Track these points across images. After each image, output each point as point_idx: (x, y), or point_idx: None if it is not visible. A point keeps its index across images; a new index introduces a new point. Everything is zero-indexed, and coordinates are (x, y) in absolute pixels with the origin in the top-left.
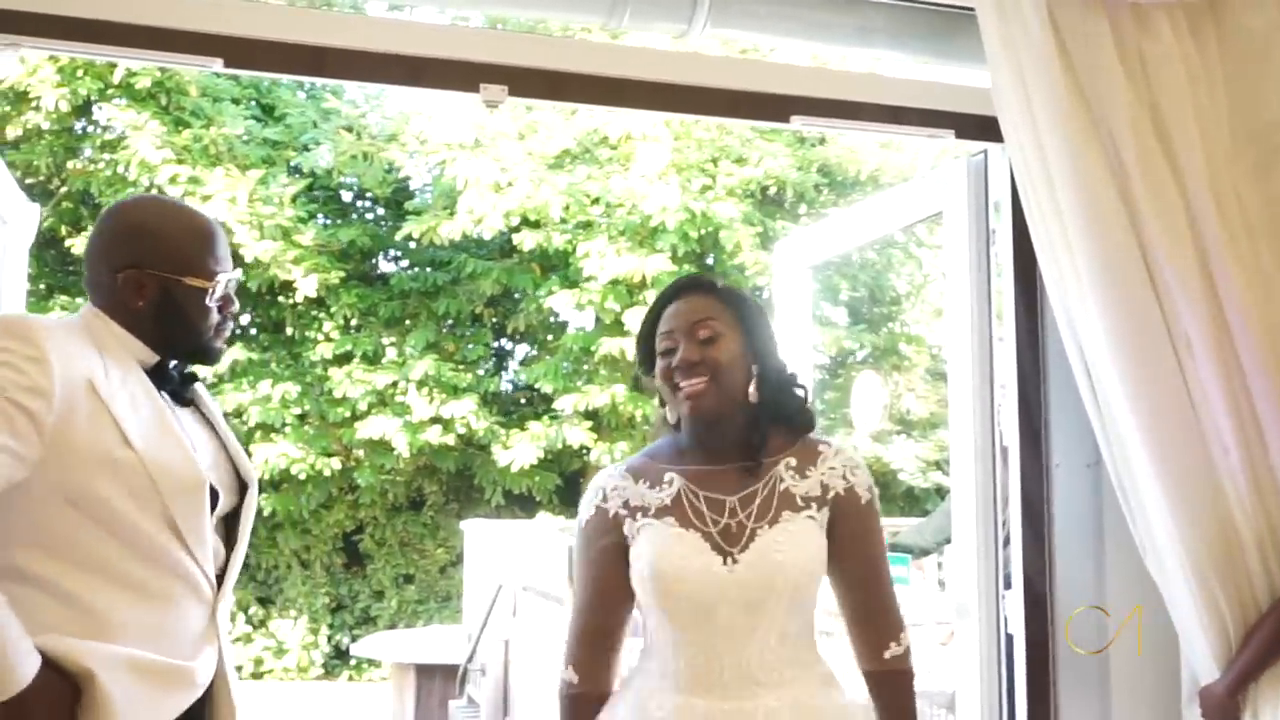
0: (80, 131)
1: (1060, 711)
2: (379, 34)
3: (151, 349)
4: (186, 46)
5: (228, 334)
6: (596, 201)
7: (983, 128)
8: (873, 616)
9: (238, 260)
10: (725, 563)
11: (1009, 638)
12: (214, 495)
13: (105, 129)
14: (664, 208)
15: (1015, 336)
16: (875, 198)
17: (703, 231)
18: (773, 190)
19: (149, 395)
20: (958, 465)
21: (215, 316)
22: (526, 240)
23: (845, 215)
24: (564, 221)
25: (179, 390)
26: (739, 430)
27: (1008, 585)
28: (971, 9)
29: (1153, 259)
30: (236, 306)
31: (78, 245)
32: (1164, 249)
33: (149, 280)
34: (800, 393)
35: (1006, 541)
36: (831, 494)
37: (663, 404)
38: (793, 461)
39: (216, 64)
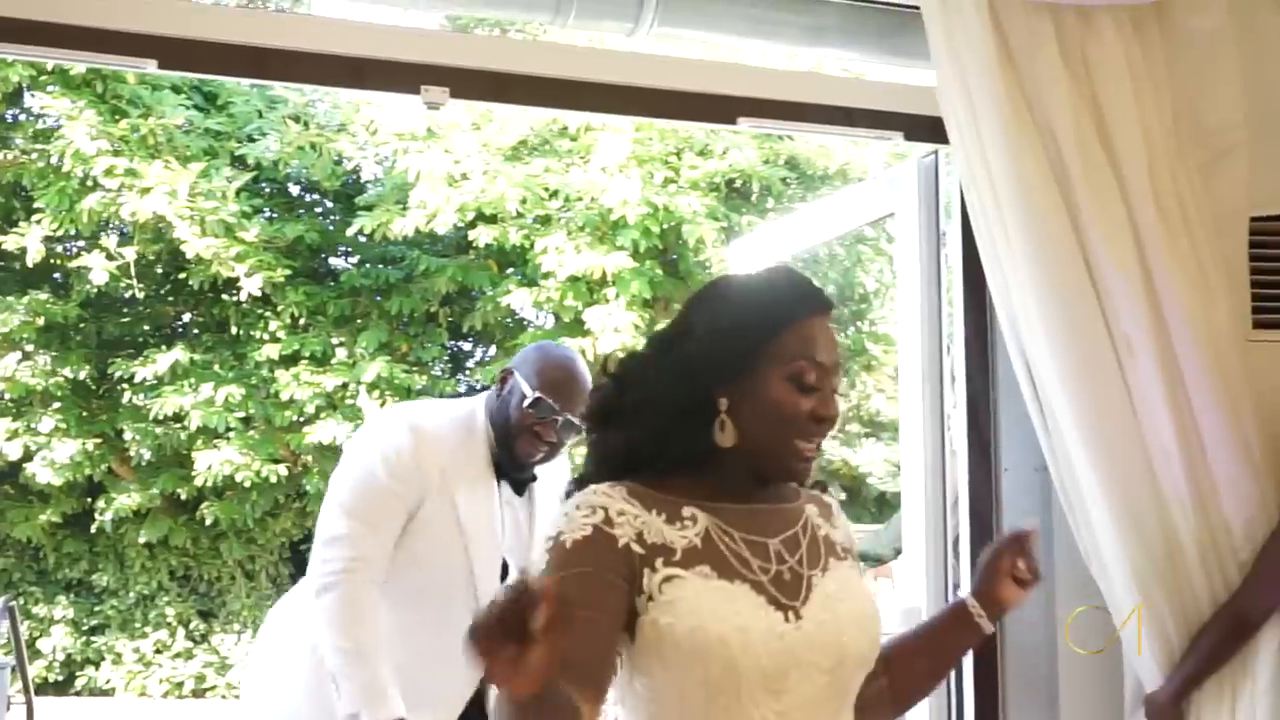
0: (11, 120)
1: (1008, 716)
2: (318, 34)
3: (498, 444)
4: (119, 47)
5: (536, 455)
6: (555, 195)
7: (932, 129)
8: None
9: (180, 257)
10: (788, 619)
11: None
12: (506, 568)
13: (38, 118)
14: (624, 201)
15: (964, 339)
16: (830, 198)
17: (665, 226)
18: (738, 184)
19: (485, 479)
20: (908, 470)
21: (520, 422)
22: (482, 236)
23: (801, 215)
24: (521, 216)
25: (515, 483)
26: None
27: (957, 590)
28: (919, 8)
29: (1094, 261)
30: (552, 440)
31: (9, 241)
32: (1105, 250)
33: (511, 377)
34: None
35: (958, 545)
36: (855, 545)
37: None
38: (814, 508)
39: (150, 65)
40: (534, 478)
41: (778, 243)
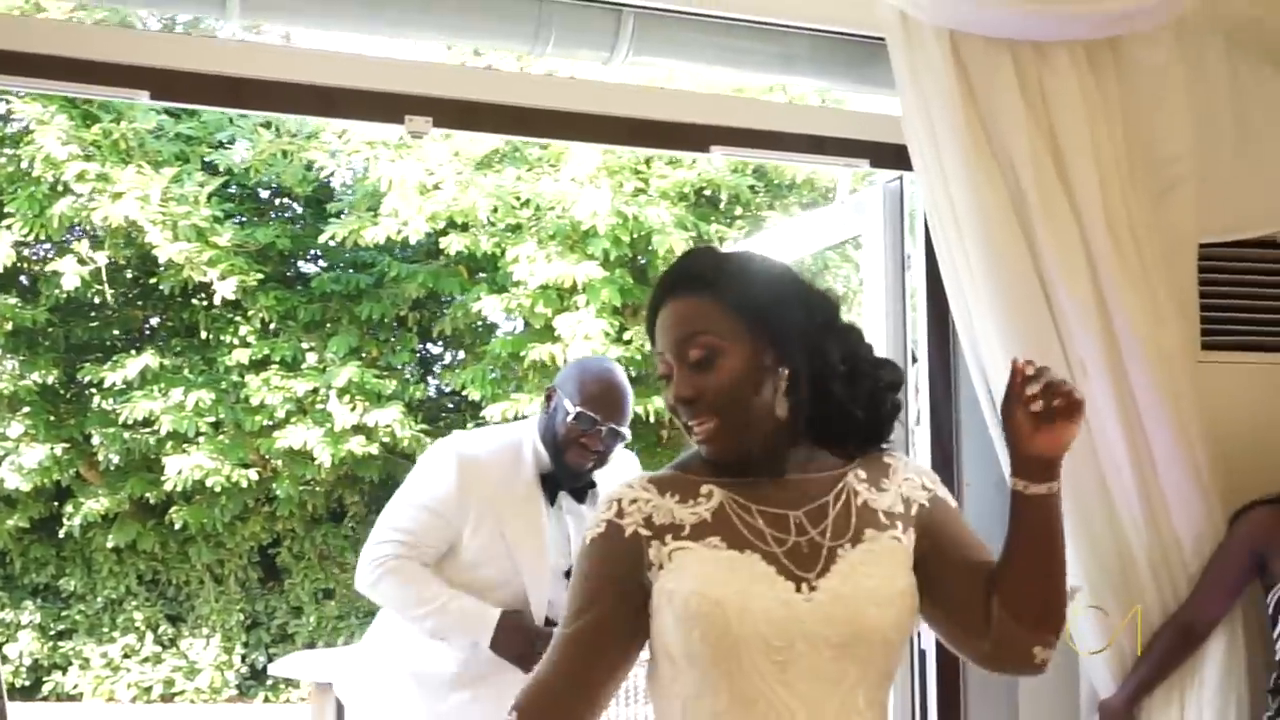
0: None
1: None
2: (303, 65)
3: (551, 459)
4: (112, 79)
5: (586, 464)
6: (526, 204)
7: (898, 156)
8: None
9: (151, 262)
10: (800, 590)
11: (922, 653)
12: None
13: (7, 122)
14: (594, 212)
15: (928, 358)
16: (800, 219)
17: (635, 235)
18: (707, 193)
19: (531, 499)
20: None
21: (567, 435)
22: (453, 243)
23: (771, 234)
24: (492, 224)
25: (576, 492)
26: (782, 446)
27: None
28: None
29: (1050, 286)
30: (599, 449)
31: None
32: (1060, 276)
33: (555, 395)
34: (878, 392)
35: None
36: (915, 508)
37: None
38: (862, 473)
39: (143, 96)
40: (593, 484)
41: None
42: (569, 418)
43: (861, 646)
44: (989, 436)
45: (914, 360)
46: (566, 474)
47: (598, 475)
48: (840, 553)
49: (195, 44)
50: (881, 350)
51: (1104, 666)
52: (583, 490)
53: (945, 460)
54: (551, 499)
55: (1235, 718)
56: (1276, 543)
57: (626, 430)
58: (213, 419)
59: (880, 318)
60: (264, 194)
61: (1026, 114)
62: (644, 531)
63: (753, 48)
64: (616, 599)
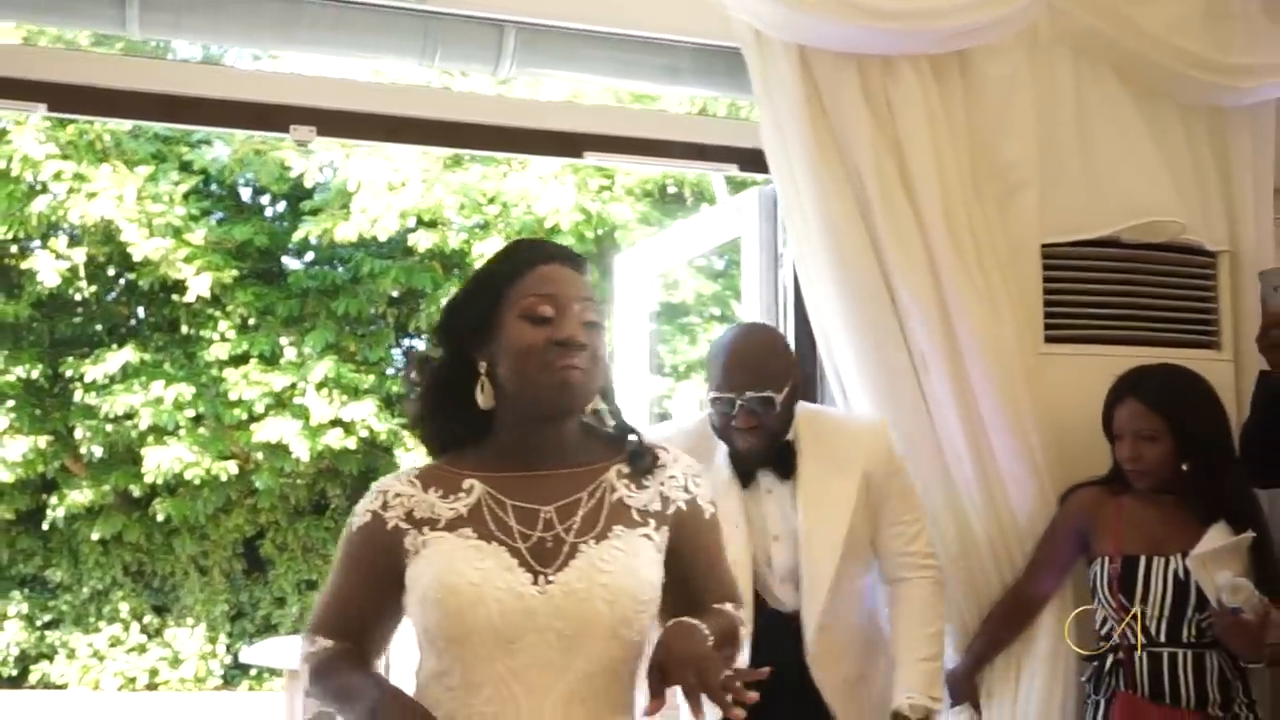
0: None
1: None
2: (193, 79)
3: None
4: (10, 93)
5: (748, 445)
6: (492, 201)
7: (764, 161)
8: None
9: (129, 261)
10: (536, 582)
11: None
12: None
13: None
14: (556, 209)
15: (796, 351)
16: (686, 222)
17: (599, 232)
18: (672, 189)
19: (722, 488)
20: None
21: (720, 426)
22: (422, 240)
23: (664, 238)
24: (460, 221)
25: (778, 469)
26: (571, 433)
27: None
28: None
29: (894, 286)
30: (750, 425)
31: None
32: (903, 279)
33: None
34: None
35: None
36: (673, 509)
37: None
38: (625, 468)
39: (40, 109)
40: (791, 455)
41: (654, 259)
42: (712, 408)
43: (588, 639)
44: None
45: None
46: (741, 461)
47: (844, 438)
48: (582, 548)
49: (90, 59)
50: None
51: (949, 638)
52: (788, 464)
53: None
54: (746, 482)
55: (1063, 681)
56: (1097, 521)
57: (776, 393)
58: (192, 413)
59: (756, 314)
60: (242, 191)
61: (873, 125)
62: (404, 525)
63: (638, 60)
64: (374, 589)
